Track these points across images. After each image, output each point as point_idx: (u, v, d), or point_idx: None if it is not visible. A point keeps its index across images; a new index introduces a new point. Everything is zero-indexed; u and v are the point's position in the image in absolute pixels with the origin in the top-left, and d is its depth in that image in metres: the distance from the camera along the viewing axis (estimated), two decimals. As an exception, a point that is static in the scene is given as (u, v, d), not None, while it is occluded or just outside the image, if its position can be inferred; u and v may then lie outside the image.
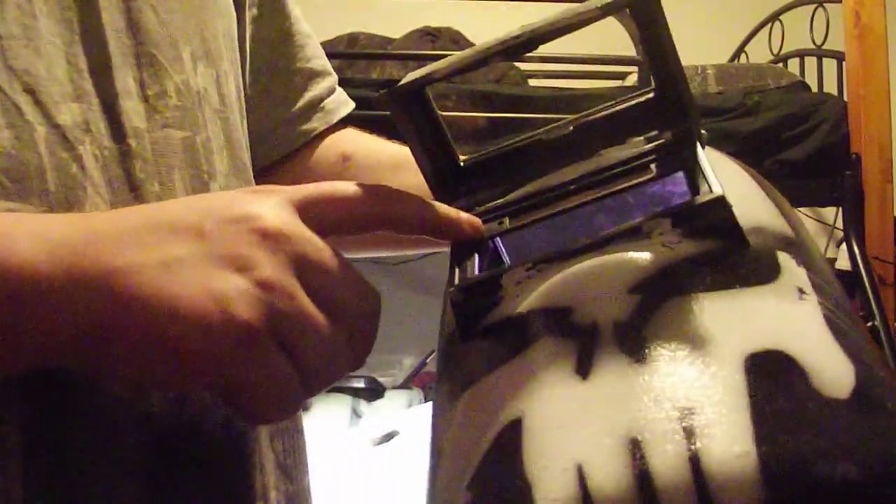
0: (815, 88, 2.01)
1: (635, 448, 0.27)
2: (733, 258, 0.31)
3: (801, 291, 0.30)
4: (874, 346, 0.31)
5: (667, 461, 0.26)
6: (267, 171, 0.63)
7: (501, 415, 0.30)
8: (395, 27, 2.01)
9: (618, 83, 2.01)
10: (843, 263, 1.84)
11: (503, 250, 0.36)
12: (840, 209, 1.80)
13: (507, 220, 0.36)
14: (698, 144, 0.33)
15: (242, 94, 0.57)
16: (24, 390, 0.38)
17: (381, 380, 2.24)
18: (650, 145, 0.35)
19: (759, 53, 2.37)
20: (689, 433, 0.26)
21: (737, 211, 0.31)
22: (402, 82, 0.36)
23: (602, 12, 0.34)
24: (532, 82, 1.98)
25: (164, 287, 0.33)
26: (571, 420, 0.28)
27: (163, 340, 0.33)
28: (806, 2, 2.16)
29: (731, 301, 0.29)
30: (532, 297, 0.32)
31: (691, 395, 0.27)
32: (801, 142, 1.77)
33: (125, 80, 0.45)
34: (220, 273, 0.34)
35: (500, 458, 0.29)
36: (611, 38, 1.79)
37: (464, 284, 0.34)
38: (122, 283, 0.33)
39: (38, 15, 0.42)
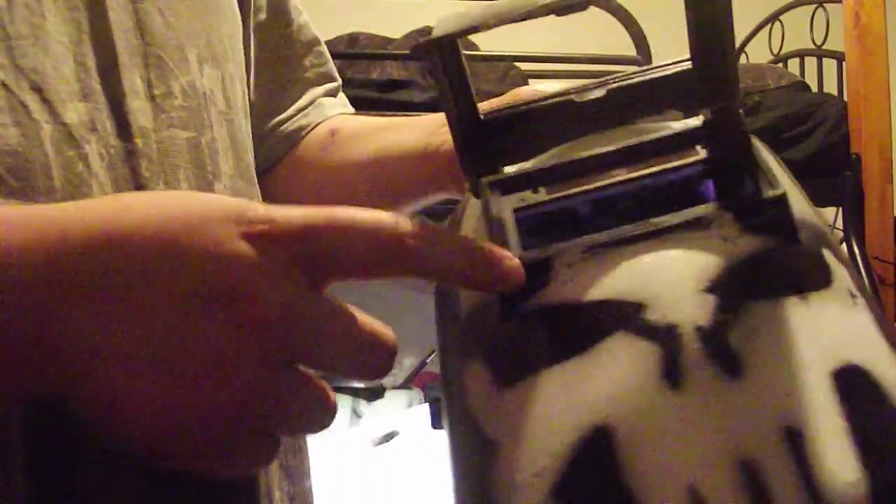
0: (815, 88, 2.01)
1: (750, 471, 0.26)
2: (790, 257, 0.30)
3: (853, 295, 0.30)
4: None
5: (786, 488, 0.26)
6: (268, 172, 0.63)
7: (582, 418, 0.28)
8: (395, 27, 2.01)
9: (618, 83, 2.01)
10: (843, 263, 1.84)
11: (514, 222, 0.32)
12: (840, 209, 1.80)
13: (542, 190, 0.33)
14: (749, 133, 0.32)
15: (247, 98, 0.57)
16: None
17: (380, 380, 2.24)
18: (693, 123, 0.33)
19: (759, 53, 2.37)
20: (801, 457, 0.26)
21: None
22: (444, 32, 0.32)
23: None
24: (532, 83, 1.98)
25: (136, 395, 0.30)
26: (673, 435, 0.27)
27: (130, 440, 0.31)
28: (806, 2, 2.16)
29: (804, 307, 0.29)
30: (592, 285, 0.30)
31: (792, 413, 0.27)
32: (801, 142, 1.77)
33: (132, 79, 0.45)
34: (198, 381, 0.30)
35: (592, 468, 0.27)
36: (611, 38, 1.79)
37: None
38: (93, 378, 0.30)
39: (47, 14, 0.42)
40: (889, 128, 1.74)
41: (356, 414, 2.07)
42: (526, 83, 1.92)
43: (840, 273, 0.31)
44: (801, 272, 0.30)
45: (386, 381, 2.28)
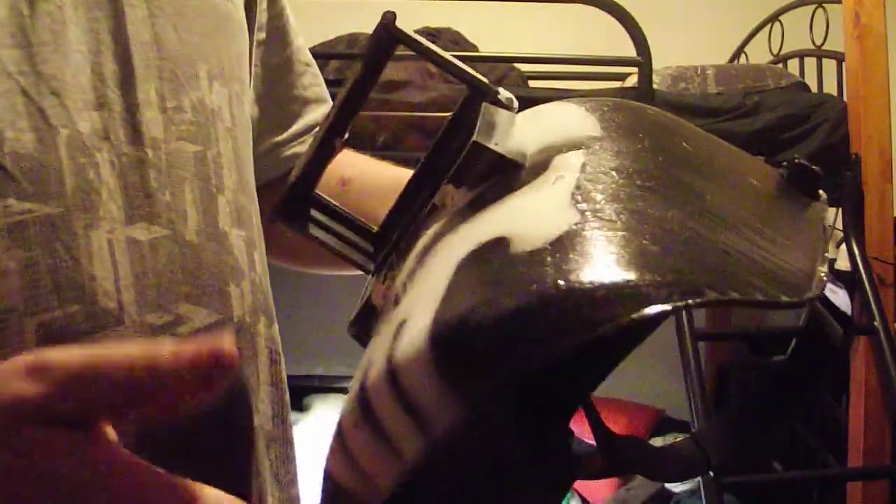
0: (815, 89, 2.01)
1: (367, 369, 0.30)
2: (509, 180, 0.33)
3: (560, 177, 0.32)
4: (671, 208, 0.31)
5: (375, 374, 0.29)
6: (260, 191, 0.64)
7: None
8: (394, 27, 2.00)
9: (618, 84, 2.01)
10: (843, 263, 1.84)
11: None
12: (840, 209, 1.80)
13: None
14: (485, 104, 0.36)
15: (250, 115, 0.58)
16: None
17: None
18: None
19: (759, 54, 2.37)
20: (396, 338, 0.29)
21: (529, 139, 0.34)
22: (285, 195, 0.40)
23: None
24: (532, 84, 1.98)
25: None
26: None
27: None
28: (806, 2, 2.16)
29: (489, 212, 0.32)
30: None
31: (410, 309, 0.30)
32: (801, 142, 1.77)
33: (148, 90, 0.46)
34: None
35: None
36: (611, 38, 1.79)
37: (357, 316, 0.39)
38: None
39: (68, 23, 0.43)
40: (889, 128, 1.74)
41: (356, 414, 2.06)
42: (525, 84, 1.92)
43: (565, 163, 0.33)
44: (510, 185, 0.33)
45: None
